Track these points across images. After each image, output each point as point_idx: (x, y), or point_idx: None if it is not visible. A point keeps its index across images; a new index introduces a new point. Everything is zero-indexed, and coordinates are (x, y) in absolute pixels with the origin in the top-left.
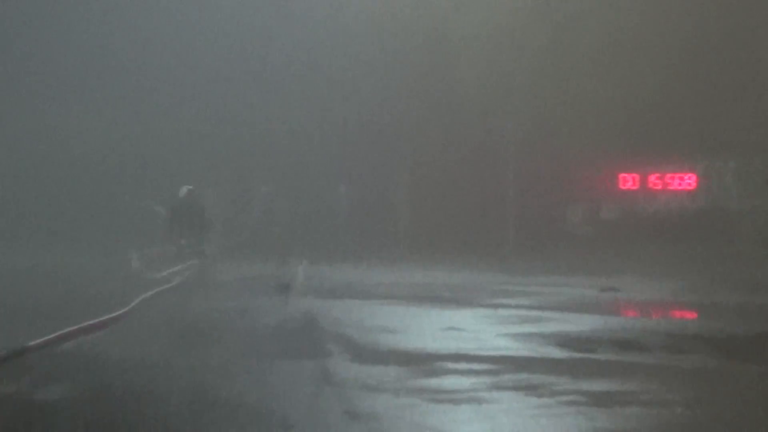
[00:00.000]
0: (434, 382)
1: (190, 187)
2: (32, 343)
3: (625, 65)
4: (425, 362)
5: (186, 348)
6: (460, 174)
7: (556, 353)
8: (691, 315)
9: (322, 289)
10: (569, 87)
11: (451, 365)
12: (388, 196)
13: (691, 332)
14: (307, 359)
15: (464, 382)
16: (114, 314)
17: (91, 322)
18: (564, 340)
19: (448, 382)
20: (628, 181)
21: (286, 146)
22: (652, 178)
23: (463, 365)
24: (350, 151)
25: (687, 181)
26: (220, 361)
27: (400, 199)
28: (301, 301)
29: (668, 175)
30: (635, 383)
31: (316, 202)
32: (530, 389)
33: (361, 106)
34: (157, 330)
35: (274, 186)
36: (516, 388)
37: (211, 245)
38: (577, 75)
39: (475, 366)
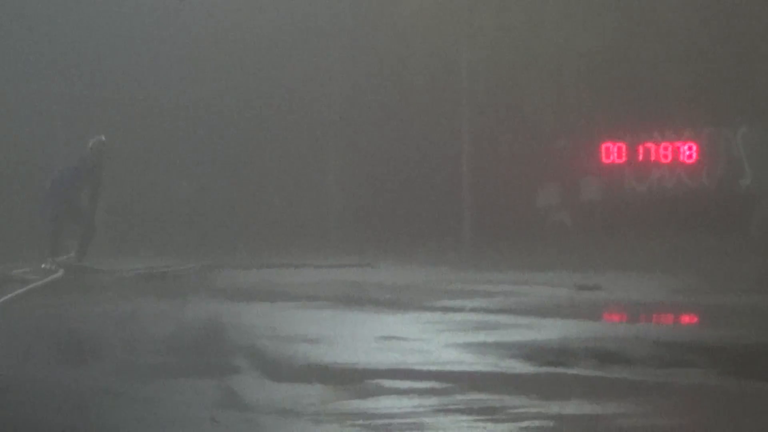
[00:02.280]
0: (367, 404)
1: (102, 138)
2: None
3: (612, 2)
4: (355, 380)
5: (50, 366)
6: (403, 143)
7: (521, 368)
8: (688, 319)
9: (228, 289)
10: (537, 31)
11: (387, 383)
12: (312, 169)
13: (688, 341)
14: (208, 377)
15: (404, 403)
16: None
17: None
18: (530, 352)
19: (385, 404)
20: (612, 152)
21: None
22: (643, 149)
23: (403, 383)
24: (265, 113)
25: (687, 152)
26: (93, 383)
27: (328, 174)
28: (203, 304)
29: (663, 145)
30: (619, 405)
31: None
32: (487, 412)
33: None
34: (12, 343)
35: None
36: (469, 411)
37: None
38: (548, 16)
39: (419, 384)
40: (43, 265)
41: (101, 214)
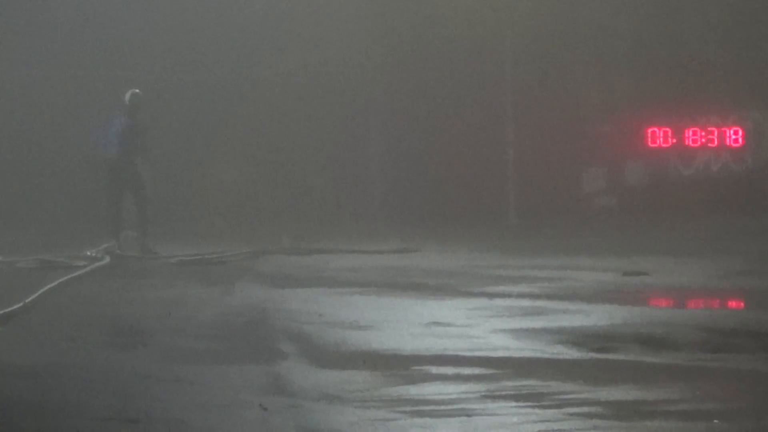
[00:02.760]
0: (413, 390)
1: (137, 90)
2: None
3: None
4: (402, 366)
5: (97, 351)
6: (447, 127)
7: (568, 353)
8: (736, 304)
9: (274, 275)
10: (584, 16)
11: (434, 370)
12: (357, 155)
13: (736, 326)
14: (255, 363)
15: (451, 390)
16: (6, 310)
17: None
18: (577, 337)
19: (431, 390)
20: (658, 136)
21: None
22: (689, 134)
23: (449, 369)
24: (308, 97)
25: (732, 136)
26: (140, 367)
27: (373, 160)
28: (250, 291)
29: (709, 129)
30: (666, 390)
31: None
32: (534, 398)
33: (323, 43)
34: (60, 329)
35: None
36: (516, 397)
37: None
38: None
39: (465, 370)
40: (88, 252)
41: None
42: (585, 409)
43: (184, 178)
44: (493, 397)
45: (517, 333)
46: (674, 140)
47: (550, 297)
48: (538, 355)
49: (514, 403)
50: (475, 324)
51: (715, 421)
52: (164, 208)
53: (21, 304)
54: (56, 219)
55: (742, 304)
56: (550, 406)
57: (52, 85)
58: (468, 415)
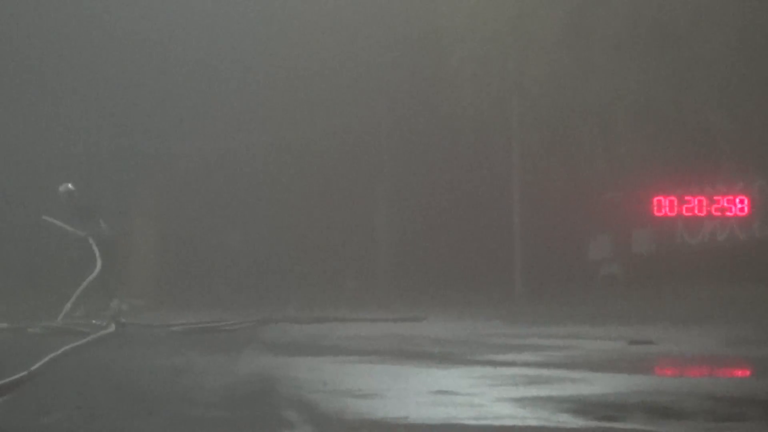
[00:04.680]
0: None
1: (69, 185)
2: None
3: (663, 54)
4: None
5: (103, 419)
6: (453, 195)
7: (573, 422)
8: (742, 372)
9: (280, 343)
10: (590, 82)
11: None
12: (363, 223)
13: (744, 395)
14: (260, 431)
15: None
16: (11, 378)
17: None
18: (583, 406)
19: None
20: (664, 205)
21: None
22: (695, 202)
23: None
24: (314, 163)
25: (739, 205)
26: None
27: (378, 228)
28: (255, 359)
29: (715, 198)
30: None
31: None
32: None
33: (317, 101)
34: (65, 397)
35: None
36: None
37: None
38: (601, 67)
39: None
40: (94, 320)
41: (153, 268)
42: None
43: (189, 246)
44: None
45: (522, 401)
46: (680, 209)
47: (555, 365)
48: (543, 423)
49: None
50: (480, 392)
51: None
52: (170, 277)
53: (26, 372)
54: (63, 286)
55: (748, 373)
56: None
57: (47, 147)
58: None
